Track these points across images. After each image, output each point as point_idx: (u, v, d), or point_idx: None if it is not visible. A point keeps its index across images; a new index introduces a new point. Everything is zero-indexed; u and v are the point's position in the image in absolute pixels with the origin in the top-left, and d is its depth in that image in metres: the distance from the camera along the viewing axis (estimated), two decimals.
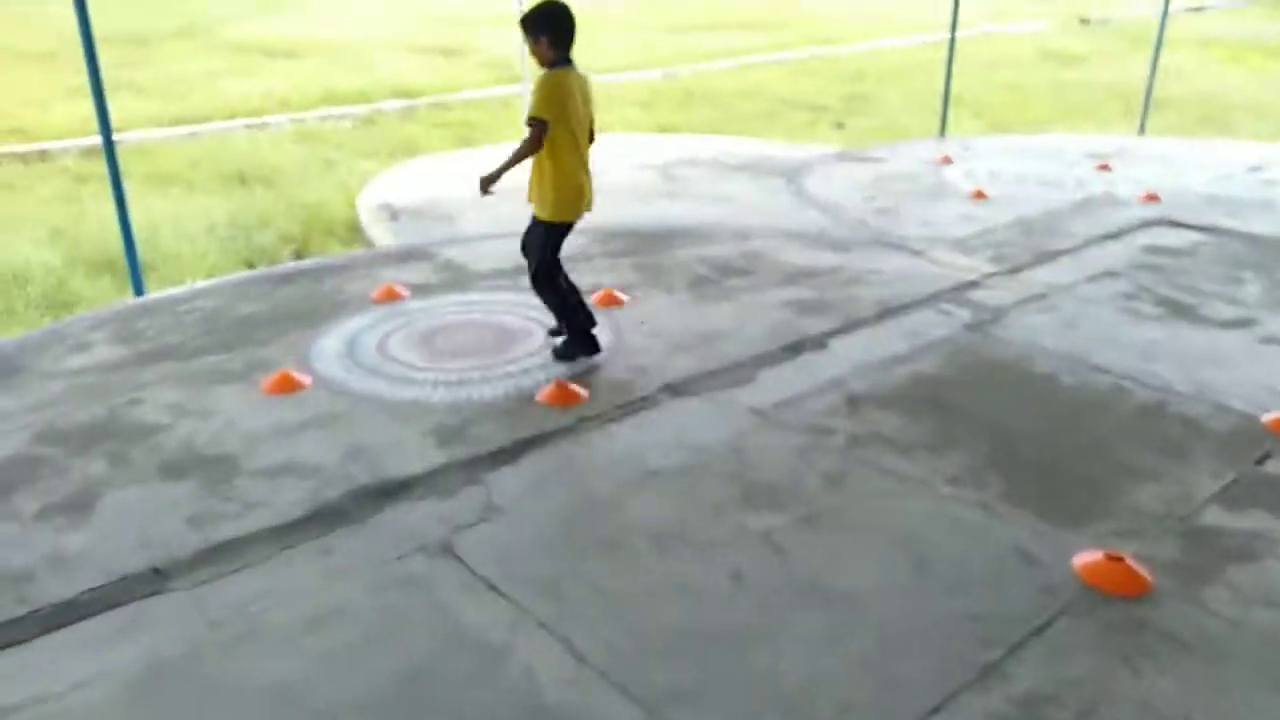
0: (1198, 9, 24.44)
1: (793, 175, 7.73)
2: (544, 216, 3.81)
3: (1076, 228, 6.08)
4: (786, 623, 2.40)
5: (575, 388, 3.67)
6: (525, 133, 3.66)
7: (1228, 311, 4.62)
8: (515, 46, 9.05)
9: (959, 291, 4.88)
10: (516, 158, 3.66)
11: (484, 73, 14.80)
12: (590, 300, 4.64)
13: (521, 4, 8.24)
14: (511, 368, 3.92)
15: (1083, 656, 2.28)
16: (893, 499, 2.95)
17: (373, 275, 5.08)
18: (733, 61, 16.69)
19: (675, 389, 3.74)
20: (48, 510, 2.87)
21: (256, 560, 2.64)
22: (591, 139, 3.92)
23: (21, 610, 2.41)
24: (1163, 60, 10.88)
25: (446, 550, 2.69)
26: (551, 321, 4.12)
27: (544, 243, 3.85)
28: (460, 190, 7.13)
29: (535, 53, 3.70)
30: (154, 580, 2.54)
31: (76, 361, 4.00)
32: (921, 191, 7.12)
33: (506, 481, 3.06)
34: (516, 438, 3.32)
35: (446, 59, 16.07)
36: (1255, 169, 7.83)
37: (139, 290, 5.16)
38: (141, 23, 18.63)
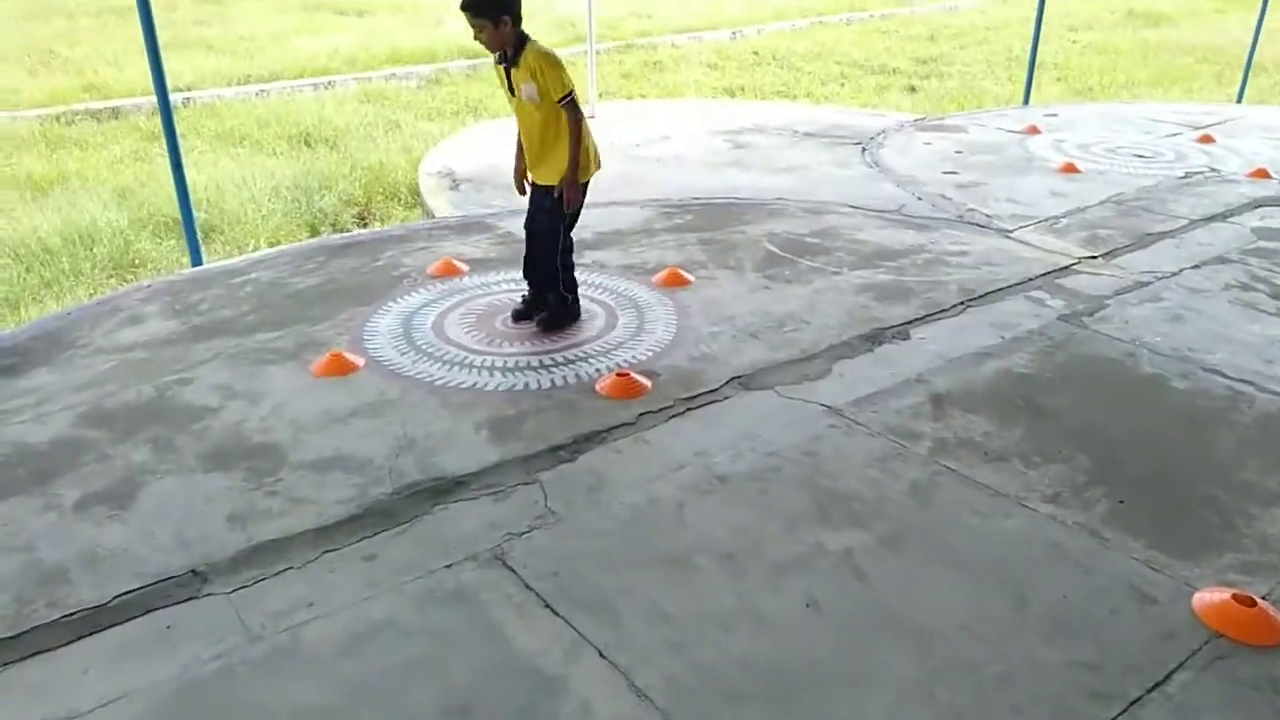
0: None
1: (867, 144, 7.35)
2: (558, 181, 3.64)
3: (1179, 207, 5.63)
4: (869, 662, 2.16)
5: (638, 377, 3.45)
6: (563, 116, 3.54)
7: None
8: (583, 7, 8.76)
9: (1051, 277, 4.52)
10: (577, 142, 3.54)
11: (550, 33, 14.50)
12: (654, 280, 4.42)
13: None
14: (570, 353, 3.71)
15: (1211, 719, 2.01)
16: (986, 519, 2.68)
17: (431, 248, 4.90)
18: (801, 21, 16.09)
19: (744, 381, 3.49)
20: (87, 500, 2.75)
21: (298, 562, 2.49)
22: None
23: (54, 614, 2.29)
24: (1255, 20, 10.12)
25: (498, 559, 2.50)
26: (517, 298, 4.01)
27: (562, 217, 3.73)
28: None
29: (494, 39, 3.44)
30: (191, 583, 2.41)
31: (128, 336, 3.91)
32: (1007, 164, 6.69)
33: (564, 482, 2.86)
34: (575, 433, 3.12)
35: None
36: None
37: (196, 260, 5.07)
38: None
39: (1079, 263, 4.72)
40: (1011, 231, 5.23)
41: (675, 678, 2.12)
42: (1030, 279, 4.50)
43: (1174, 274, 4.56)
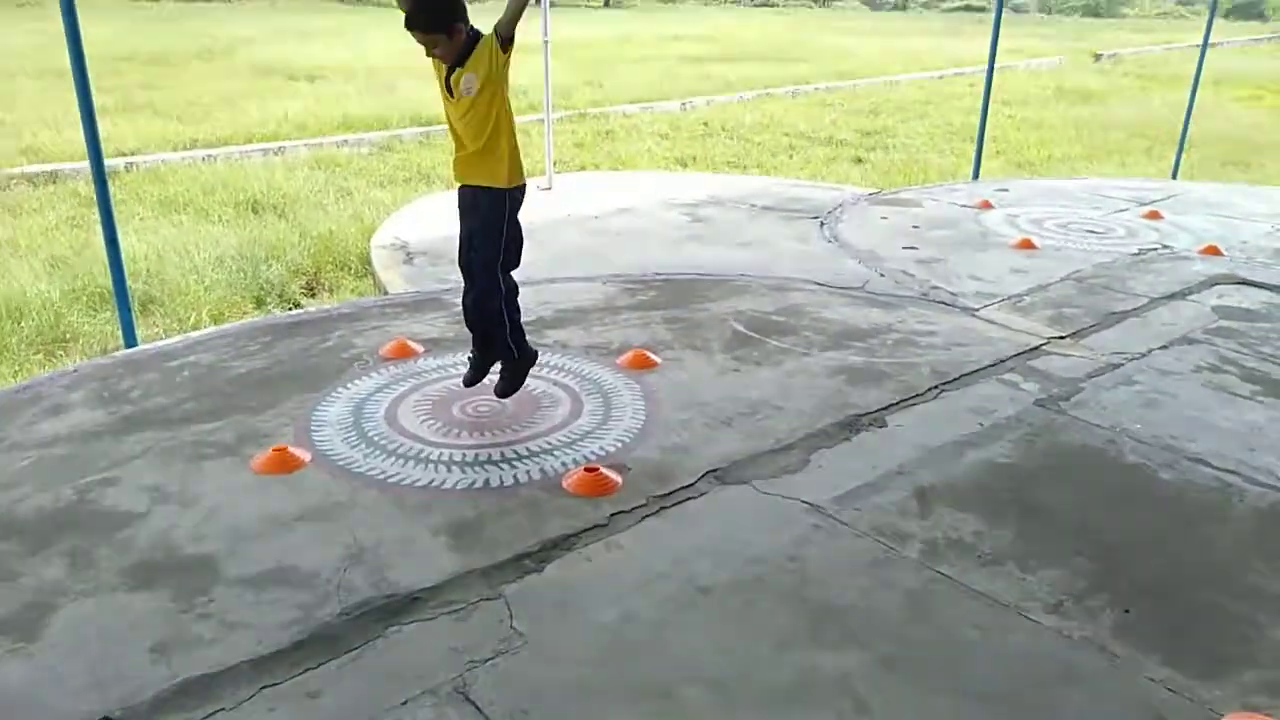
0: (1208, 45, 24.11)
1: (825, 218, 7.32)
2: (503, 184, 3.26)
3: (1138, 285, 5.64)
4: None
5: (608, 472, 3.24)
6: (499, 105, 3.18)
7: None
8: (537, 76, 8.70)
9: (1023, 359, 4.44)
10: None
11: None
12: (619, 362, 4.24)
13: (548, 35, 7.89)
14: (534, 444, 3.49)
15: None
16: (988, 634, 2.50)
17: (384, 327, 4.66)
18: (748, 93, 16.35)
19: (720, 475, 3.30)
20: None
21: (230, 702, 2.20)
22: None
23: None
24: (1177, 98, 10.47)
25: (460, 694, 2.24)
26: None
27: (502, 224, 3.30)
28: None
29: (449, 50, 3.10)
30: None
31: (49, 428, 3.58)
32: (964, 240, 6.70)
33: (531, 597, 2.61)
34: (542, 539, 2.88)
35: None
36: None
37: (130, 340, 4.75)
38: (167, 43, 18.41)
39: (1048, 343, 4.65)
40: (977, 310, 5.16)
41: None
42: (1002, 360, 4.41)
43: (1143, 355, 4.51)
